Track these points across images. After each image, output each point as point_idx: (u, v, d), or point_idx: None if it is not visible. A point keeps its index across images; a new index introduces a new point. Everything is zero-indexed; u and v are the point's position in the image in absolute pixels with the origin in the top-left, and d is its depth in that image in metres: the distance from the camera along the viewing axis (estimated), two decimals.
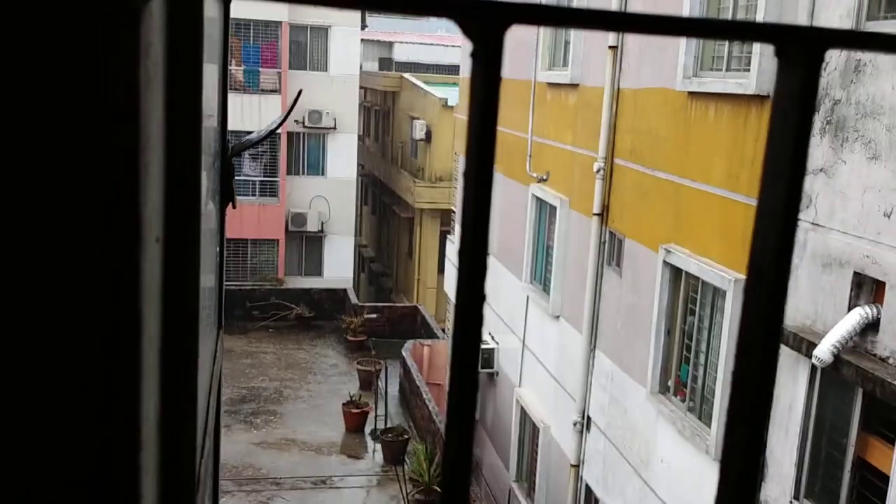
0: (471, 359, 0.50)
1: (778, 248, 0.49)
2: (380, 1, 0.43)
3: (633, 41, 9.48)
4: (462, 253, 0.46)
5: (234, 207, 1.67)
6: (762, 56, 6.95)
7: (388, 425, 16.46)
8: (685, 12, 8.14)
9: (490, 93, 0.46)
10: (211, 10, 1.18)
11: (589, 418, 10.41)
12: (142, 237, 0.45)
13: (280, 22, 24.25)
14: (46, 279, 0.41)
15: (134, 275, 0.43)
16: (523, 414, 12.62)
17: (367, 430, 16.83)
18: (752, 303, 0.51)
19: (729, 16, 7.73)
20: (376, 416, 16.69)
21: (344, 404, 17.05)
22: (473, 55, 0.45)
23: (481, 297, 0.47)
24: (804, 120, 0.47)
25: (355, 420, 16.83)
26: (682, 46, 8.19)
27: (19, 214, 0.40)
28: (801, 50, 0.47)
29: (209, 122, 1.39)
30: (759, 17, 6.99)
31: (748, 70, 7.27)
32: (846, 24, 6.04)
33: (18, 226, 0.40)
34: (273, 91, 24.23)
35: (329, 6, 0.43)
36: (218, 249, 1.61)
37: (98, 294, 0.42)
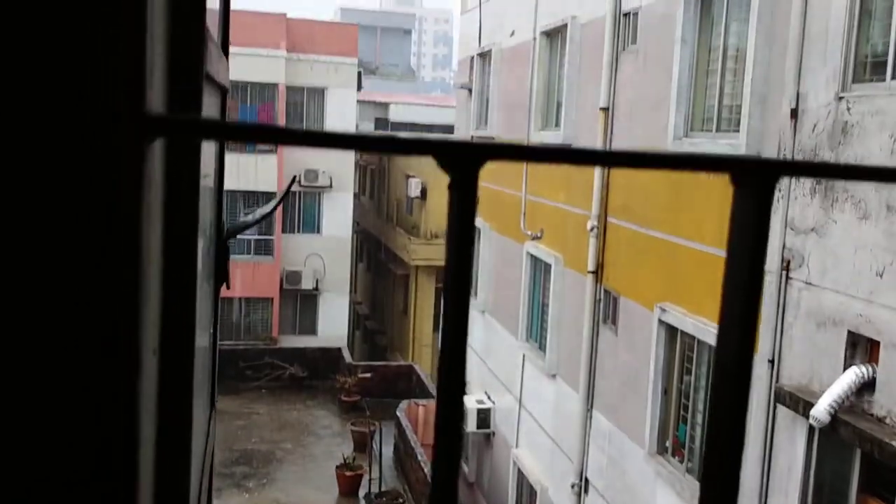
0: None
1: (739, 354, 0.52)
2: (367, 143, 0.47)
3: (624, 102, 9.67)
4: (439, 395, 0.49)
5: (227, 288, 1.70)
6: (751, 117, 7.09)
7: (383, 488, 16.19)
8: (674, 79, 8.32)
9: (466, 221, 0.50)
10: (209, 107, 1.23)
11: (587, 480, 10.28)
12: (141, 351, 0.47)
13: (277, 84, 24.66)
14: (43, 392, 0.44)
15: (132, 391, 0.46)
16: (520, 475, 12.44)
17: (362, 493, 16.53)
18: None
19: (717, 80, 7.91)
20: (370, 479, 16.42)
21: (337, 467, 16.79)
22: (450, 187, 0.49)
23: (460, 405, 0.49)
24: (759, 244, 0.51)
25: (349, 483, 16.55)
26: (673, 107, 8.36)
27: (16, 331, 0.43)
28: (754, 179, 0.51)
29: (206, 204, 1.43)
30: (748, 81, 7.15)
31: (738, 131, 7.40)
32: (832, 87, 6.18)
33: (16, 339, 0.43)
34: (269, 151, 24.48)
35: (319, 147, 0.47)
36: (212, 331, 1.64)
37: (96, 415, 0.45)
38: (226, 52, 1.58)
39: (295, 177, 4.72)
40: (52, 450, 0.44)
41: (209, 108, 1.15)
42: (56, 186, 0.42)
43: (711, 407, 0.53)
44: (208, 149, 1.33)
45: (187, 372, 0.75)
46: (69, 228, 0.42)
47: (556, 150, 0.48)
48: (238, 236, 26.37)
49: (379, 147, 0.49)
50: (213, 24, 1.44)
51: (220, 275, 1.60)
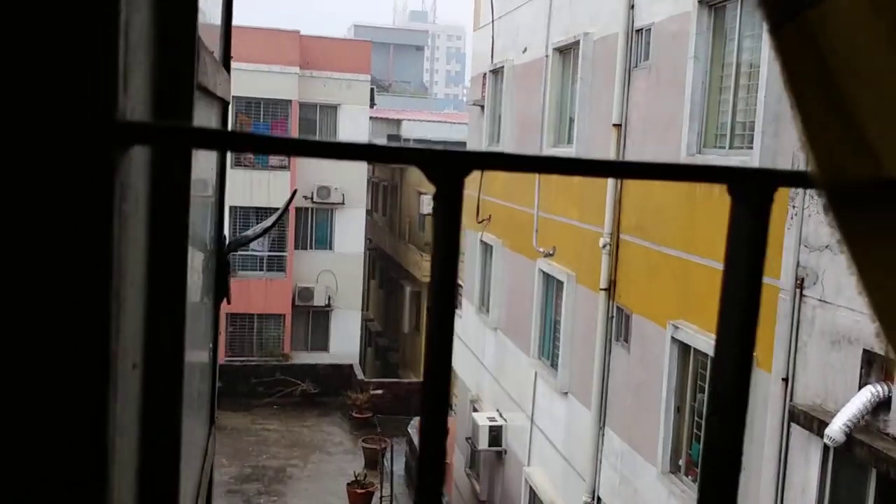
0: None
1: (735, 375, 0.50)
2: (348, 152, 0.46)
3: (636, 118, 9.65)
4: (423, 399, 0.47)
5: (228, 303, 1.69)
6: (764, 134, 7.06)
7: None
8: (687, 95, 8.30)
9: (451, 230, 0.48)
10: (204, 118, 1.22)
11: (599, 499, 10.17)
12: (113, 366, 0.46)
13: (290, 101, 24.82)
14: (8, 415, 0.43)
15: (102, 404, 0.44)
16: (532, 494, 12.34)
17: None
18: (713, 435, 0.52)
19: (730, 97, 7.88)
20: (381, 497, 16.33)
21: (349, 484, 16.72)
22: (435, 198, 0.48)
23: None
24: (756, 254, 0.49)
25: (360, 500, 16.47)
26: (686, 124, 8.34)
27: None
28: (752, 190, 0.49)
29: (206, 217, 1.42)
30: (761, 97, 7.12)
31: (751, 147, 7.37)
32: None
33: None
34: (282, 167, 24.62)
35: (298, 155, 0.46)
36: (211, 346, 1.63)
37: (65, 425, 0.43)
38: (227, 67, 1.59)
39: (295, 191, 4.75)
40: (13, 466, 0.42)
41: (204, 119, 1.15)
42: (20, 192, 0.41)
43: (707, 420, 0.51)
44: (207, 162, 1.32)
45: (175, 387, 0.74)
46: (34, 236, 0.41)
47: (542, 159, 0.46)
48: (251, 253, 26.45)
49: (361, 156, 0.48)
50: (212, 38, 1.44)
51: (221, 289, 1.59)
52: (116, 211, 0.43)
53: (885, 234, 0.46)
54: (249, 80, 23.73)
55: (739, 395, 0.49)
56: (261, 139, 0.46)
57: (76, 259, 0.41)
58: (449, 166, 0.45)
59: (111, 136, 0.41)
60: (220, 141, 0.44)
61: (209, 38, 1.14)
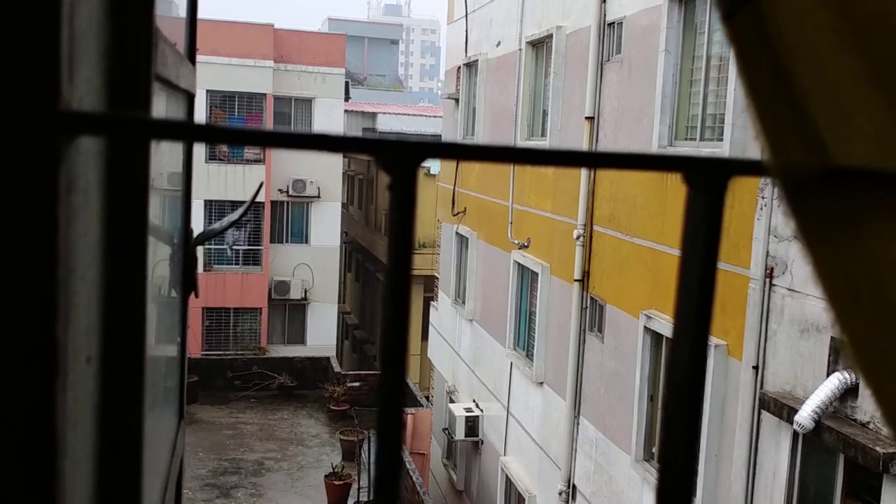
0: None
1: (692, 363, 0.51)
2: (301, 142, 0.45)
3: (609, 111, 9.70)
4: (382, 380, 0.47)
5: (196, 297, 1.68)
6: (734, 126, 7.12)
7: (372, 497, 16.10)
8: (658, 88, 8.36)
9: (405, 218, 0.48)
10: (166, 110, 1.21)
11: (574, 487, 10.25)
12: (62, 358, 0.45)
13: (265, 94, 24.63)
14: None
15: (48, 399, 0.44)
16: (508, 483, 12.41)
17: (350, 502, 16.44)
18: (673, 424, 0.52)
19: (701, 89, 7.94)
20: (359, 488, 16.34)
21: (326, 476, 16.70)
22: (390, 188, 0.48)
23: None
24: (711, 242, 0.49)
25: (338, 492, 16.46)
26: (658, 116, 8.39)
27: None
28: (707, 178, 0.49)
29: (172, 209, 1.41)
30: (731, 90, 7.18)
31: (721, 140, 7.44)
32: None
33: None
34: (257, 161, 24.44)
35: (249, 145, 0.45)
36: (180, 340, 1.61)
37: (7, 416, 0.43)
38: (192, 59, 1.57)
39: (262, 184, 4.73)
40: None
41: (167, 111, 1.13)
42: None
43: (665, 408, 0.52)
44: (172, 154, 1.31)
45: (136, 381, 0.73)
46: None
47: (494, 149, 0.46)
48: (226, 247, 26.24)
49: (315, 146, 0.47)
50: (175, 29, 1.42)
51: (188, 283, 1.57)
52: (62, 201, 0.42)
53: (833, 223, 0.46)
54: (224, 73, 23.52)
55: (696, 377, 0.49)
56: (214, 129, 0.46)
57: (17, 249, 0.40)
58: (402, 155, 0.45)
59: (53, 126, 0.40)
60: (170, 131, 0.44)
61: (171, 29, 1.13)
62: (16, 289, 0.41)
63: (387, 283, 0.48)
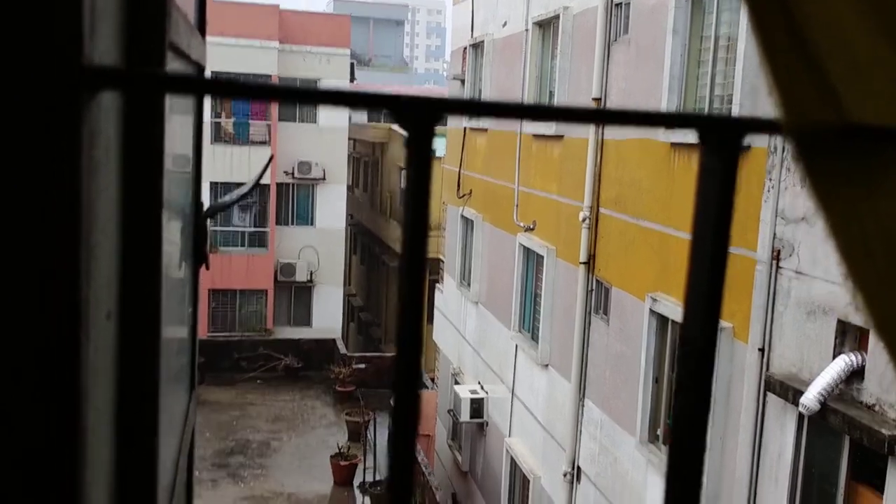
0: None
1: (705, 321, 0.51)
2: (314, 97, 0.46)
3: (616, 91, 9.65)
4: (399, 329, 0.48)
5: (206, 269, 1.69)
6: (742, 106, 7.08)
7: (378, 478, 16.22)
8: (666, 68, 8.31)
9: (422, 174, 0.49)
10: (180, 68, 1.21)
11: (579, 468, 10.31)
12: (84, 311, 0.46)
13: (270, 75, 24.57)
14: None
15: (73, 353, 0.44)
16: (513, 464, 12.48)
17: (356, 482, 16.56)
18: (684, 370, 0.52)
19: (709, 70, 7.90)
20: (365, 468, 16.45)
21: (332, 456, 16.82)
22: (407, 144, 0.48)
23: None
24: (726, 200, 0.50)
25: (344, 472, 16.59)
26: (665, 96, 8.35)
27: None
28: (722, 136, 0.50)
29: (182, 185, 1.41)
30: (739, 70, 7.14)
31: None
32: None
33: None
34: (262, 143, 24.43)
35: (285, 101, 0.46)
36: (191, 310, 1.63)
37: (36, 365, 0.43)
38: (202, 33, 1.57)
39: (272, 156, 4.74)
40: None
41: None
42: None
43: (678, 381, 0.52)
44: (183, 126, 1.31)
45: (153, 337, 0.74)
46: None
47: (508, 106, 0.47)
48: (233, 229, 26.25)
49: (329, 101, 0.48)
50: (188, 3, 1.42)
51: (198, 255, 1.58)
52: (85, 155, 0.43)
53: (847, 180, 0.46)
54: (229, 54, 23.44)
55: (708, 340, 0.50)
56: (230, 85, 0.46)
57: (43, 199, 0.40)
58: (420, 111, 0.46)
59: (77, 79, 0.41)
60: (188, 86, 0.44)
61: (182, 1, 1.13)
62: (41, 238, 0.41)
63: (404, 238, 0.48)
